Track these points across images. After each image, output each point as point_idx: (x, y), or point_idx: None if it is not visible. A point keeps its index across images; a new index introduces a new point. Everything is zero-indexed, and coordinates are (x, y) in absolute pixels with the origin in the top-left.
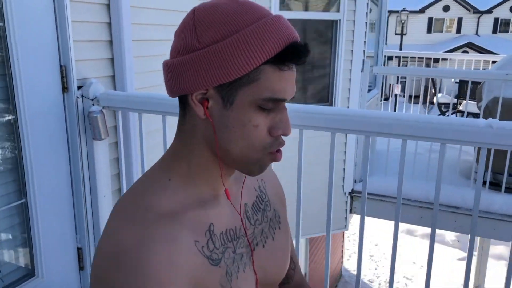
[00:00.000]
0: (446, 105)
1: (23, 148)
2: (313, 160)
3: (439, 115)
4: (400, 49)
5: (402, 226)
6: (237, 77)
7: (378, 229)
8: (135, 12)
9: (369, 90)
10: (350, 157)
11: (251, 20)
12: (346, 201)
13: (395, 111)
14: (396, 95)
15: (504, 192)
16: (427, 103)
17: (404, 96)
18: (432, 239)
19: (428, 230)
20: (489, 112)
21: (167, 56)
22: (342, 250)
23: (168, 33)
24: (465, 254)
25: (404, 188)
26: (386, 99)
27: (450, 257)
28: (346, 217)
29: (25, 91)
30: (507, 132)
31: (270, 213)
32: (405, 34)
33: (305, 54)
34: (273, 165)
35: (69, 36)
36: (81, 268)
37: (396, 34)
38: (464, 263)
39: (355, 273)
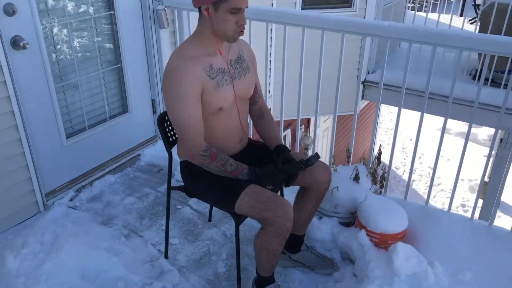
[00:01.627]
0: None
1: (118, 31)
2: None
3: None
4: None
5: (437, 124)
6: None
7: (414, 125)
8: None
9: None
10: (365, 52)
11: None
12: (361, 89)
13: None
14: None
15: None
16: None
17: None
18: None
19: (461, 128)
20: (485, 16)
21: None
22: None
23: None
24: (493, 152)
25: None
26: None
27: (479, 154)
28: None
29: None
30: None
31: (244, 65)
32: None
33: None
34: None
35: None
36: (154, 112)
37: None
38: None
39: (384, 160)
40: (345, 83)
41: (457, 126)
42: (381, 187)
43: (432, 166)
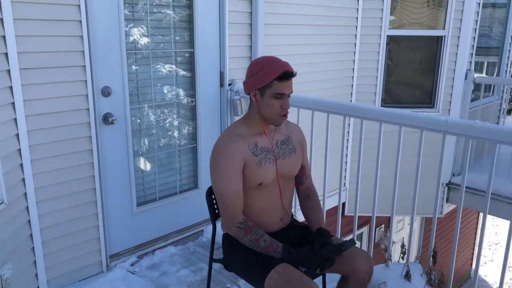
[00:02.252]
0: None
1: (197, 116)
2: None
3: None
4: None
5: None
6: (264, 85)
7: None
8: (268, 40)
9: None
10: (450, 152)
11: (270, 63)
12: (443, 191)
13: None
14: None
15: None
16: None
17: None
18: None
19: None
20: None
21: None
22: (473, 251)
23: (291, 49)
24: None
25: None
26: None
27: None
28: (442, 205)
29: (201, 86)
30: None
31: (290, 146)
32: None
33: (291, 76)
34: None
35: (226, 55)
36: None
37: None
38: None
39: (485, 278)
40: (427, 184)
41: None
42: None
43: None
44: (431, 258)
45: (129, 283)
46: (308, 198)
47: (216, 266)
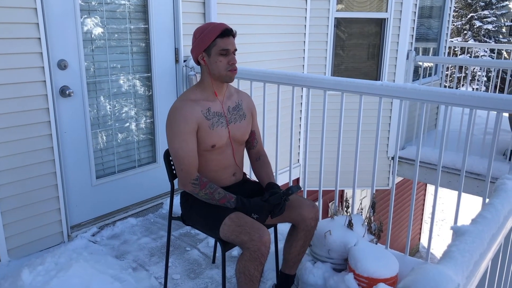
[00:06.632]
0: None
1: (153, 90)
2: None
3: None
4: None
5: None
6: (208, 45)
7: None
8: (221, 19)
9: (428, 76)
10: (394, 126)
11: (209, 25)
12: (389, 164)
13: None
14: None
15: None
16: None
17: None
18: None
19: None
20: None
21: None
22: (421, 226)
23: (244, 29)
24: None
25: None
26: None
27: None
28: (388, 177)
29: (156, 61)
30: None
31: (241, 112)
32: None
33: (231, 32)
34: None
35: (181, 31)
36: None
37: None
38: None
39: (432, 251)
40: (372, 158)
41: None
42: (378, 238)
43: None
44: (371, 209)
45: (91, 251)
46: (259, 159)
47: (175, 233)
